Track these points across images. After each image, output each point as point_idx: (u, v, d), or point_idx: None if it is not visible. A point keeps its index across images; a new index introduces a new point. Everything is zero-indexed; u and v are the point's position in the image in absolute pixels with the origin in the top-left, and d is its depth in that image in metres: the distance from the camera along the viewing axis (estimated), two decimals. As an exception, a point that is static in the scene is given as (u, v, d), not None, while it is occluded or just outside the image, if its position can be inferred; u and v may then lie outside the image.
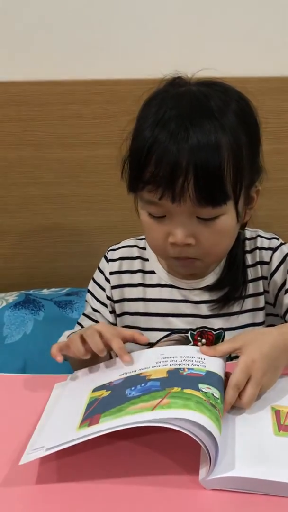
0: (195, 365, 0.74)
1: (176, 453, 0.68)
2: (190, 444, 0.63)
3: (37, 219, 1.54)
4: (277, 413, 0.72)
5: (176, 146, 0.79)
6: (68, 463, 0.66)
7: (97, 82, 1.43)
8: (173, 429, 0.63)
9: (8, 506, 0.63)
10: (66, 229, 1.55)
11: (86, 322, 1.01)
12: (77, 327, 1.02)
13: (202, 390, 0.68)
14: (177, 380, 0.70)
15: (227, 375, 0.74)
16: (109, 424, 0.64)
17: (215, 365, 0.75)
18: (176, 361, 0.75)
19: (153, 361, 0.77)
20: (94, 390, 0.75)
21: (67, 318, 1.35)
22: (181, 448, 0.67)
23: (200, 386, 0.69)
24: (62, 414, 0.73)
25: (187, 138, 0.79)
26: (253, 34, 1.42)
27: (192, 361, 0.75)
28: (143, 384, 0.70)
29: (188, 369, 0.73)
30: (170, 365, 0.75)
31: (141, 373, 0.74)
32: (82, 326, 1.01)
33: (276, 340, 0.77)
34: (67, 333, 0.99)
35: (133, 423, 0.63)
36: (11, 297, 1.42)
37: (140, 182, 0.83)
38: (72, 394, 0.78)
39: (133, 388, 0.70)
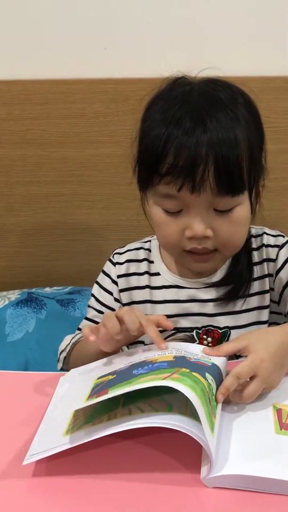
0: (200, 357, 0.74)
1: (178, 451, 0.68)
2: (191, 443, 0.63)
3: (40, 218, 1.55)
4: (278, 411, 0.72)
5: (195, 139, 0.80)
6: (70, 461, 0.66)
7: (100, 81, 1.43)
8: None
9: (10, 503, 0.63)
10: (68, 228, 1.55)
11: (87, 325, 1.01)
12: (78, 334, 1.01)
13: (207, 380, 0.68)
14: (185, 364, 0.70)
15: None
16: (118, 391, 0.64)
17: (218, 360, 0.75)
18: (181, 353, 0.75)
19: (157, 352, 0.76)
20: (99, 378, 0.74)
21: (69, 316, 1.36)
22: (183, 446, 0.67)
23: (207, 375, 0.68)
24: (66, 412, 0.72)
25: (205, 131, 0.80)
26: (256, 33, 1.42)
27: (197, 355, 0.75)
28: (150, 365, 0.70)
29: (195, 358, 0.73)
30: (175, 353, 0.74)
31: (146, 360, 0.74)
32: None
33: (282, 339, 0.76)
34: (68, 337, 0.99)
35: (143, 387, 0.63)
36: (14, 295, 1.43)
37: (156, 175, 0.83)
38: (77, 388, 0.76)
39: (140, 369, 0.70)
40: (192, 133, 0.80)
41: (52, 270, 1.58)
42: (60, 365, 0.99)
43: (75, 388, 0.77)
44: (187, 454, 0.67)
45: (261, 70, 1.41)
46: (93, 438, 0.64)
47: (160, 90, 0.89)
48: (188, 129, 0.80)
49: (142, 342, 0.97)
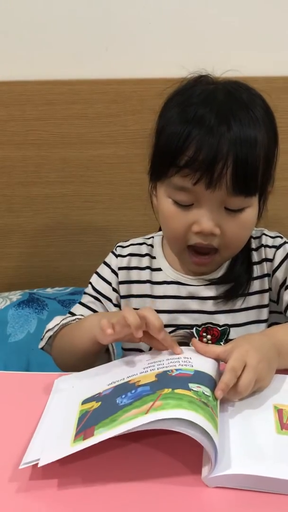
0: (182, 365, 0.74)
1: (179, 451, 0.68)
2: (192, 443, 0.63)
3: (41, 219, 1.55)
4: (279, 411, 0.72)
5: (219, 136, 0.81)
6: (68, 462, 0.66)
7: (101, 81, 1.43)
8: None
9: (7, 505, 0.63)
10: (70, 229, 1.55)
11: (80, 310, 1.00)
12: (69, 317, 1.00)
13: (192, 389, 0.67)
14: (167, 382, 0.70)
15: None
16: (104, 435, 0.63)
17: (206, 365, 0.75)
18: (163, 364, 0.75)
19: (140, 367, 0.76)
20: (84, 402, 0.73)
21: (70, 317, 1.36)
22: (184, 446, 0.67)
23: (190, 385, 0.68)
24: (54, 425, 0.71)
25: (229, 129, 0.81)
26: (257, 33, 1.42)
27: (179, 361, 0.75)
28: (133, 391, 0.70)
29: (176, 369, 0.73)
30: (157, 368, 0.74)
31: (129, 381, 0.73)
32: (74, 315, 0.99)
33: (262, 338, 0.80)
34: (58, 318, 0.97)
35: (128, 430, 0.62)
36: (15, 296, 1.43)
37: (174, 167, 0.83)
38: (61, 403, 0.76)
39: (123, 396, 0.69)
40: (217, 130, 0.81)
41: (54, 270, 1.58)
42: (42, 343, 0.97)
43: (61, 404, 0.76)
44: (187, 454, 0.67)
45: (262, 70, 1.41)
46: (93, 443, 0.64)
47: (180, 87, 0.90)
48: (212, 125, 0.81)
49: (139, 350, 0.97)
